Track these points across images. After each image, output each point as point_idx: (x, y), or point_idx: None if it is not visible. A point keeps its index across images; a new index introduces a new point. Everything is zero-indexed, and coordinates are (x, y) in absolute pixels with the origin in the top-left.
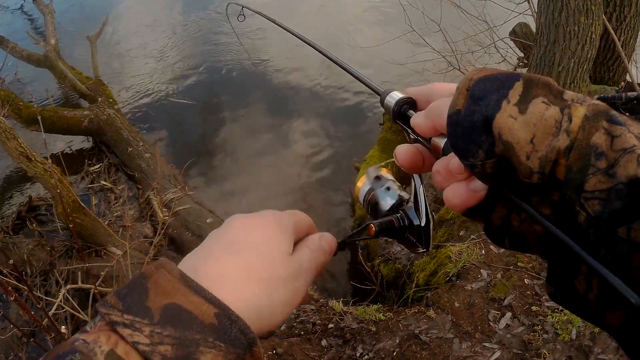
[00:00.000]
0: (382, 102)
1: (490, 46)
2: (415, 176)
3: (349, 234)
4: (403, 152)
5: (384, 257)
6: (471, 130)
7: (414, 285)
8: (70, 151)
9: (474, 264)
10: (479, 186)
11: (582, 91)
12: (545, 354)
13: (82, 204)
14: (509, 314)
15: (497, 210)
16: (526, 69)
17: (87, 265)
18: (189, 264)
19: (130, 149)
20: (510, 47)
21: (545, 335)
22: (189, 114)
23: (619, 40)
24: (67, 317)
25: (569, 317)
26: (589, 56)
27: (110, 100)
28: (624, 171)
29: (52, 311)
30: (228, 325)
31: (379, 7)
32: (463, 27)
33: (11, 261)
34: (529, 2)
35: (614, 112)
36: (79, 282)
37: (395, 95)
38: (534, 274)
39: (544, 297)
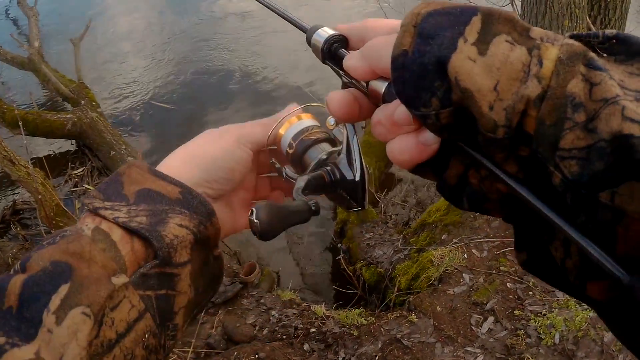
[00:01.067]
0: (308, 41)
1: None
2: (348, 125)
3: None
4: (337, 99)
5: (366, 261)
6: (422, 74)
7: (395, 289)
8: (54, 154)
9: (456, 268)
10: (430, 139)
11: None
12: (528, 358)
13: (65, 208)
14: (491, 318)
15: (451, 167)
16: None
17: None
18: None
19: (113, 153)
20: None
21: (528, 340)
22: (172, 117)
23: None
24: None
25: (552, 322)
26: None
27: (93, 103)
28: (605, 126)
29: None
30: (190, 199)
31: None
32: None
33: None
34: (512, 5)
35: (592, 55)
36: None
37: (324, 33)
38: (516, 278)
39: (526, 302)
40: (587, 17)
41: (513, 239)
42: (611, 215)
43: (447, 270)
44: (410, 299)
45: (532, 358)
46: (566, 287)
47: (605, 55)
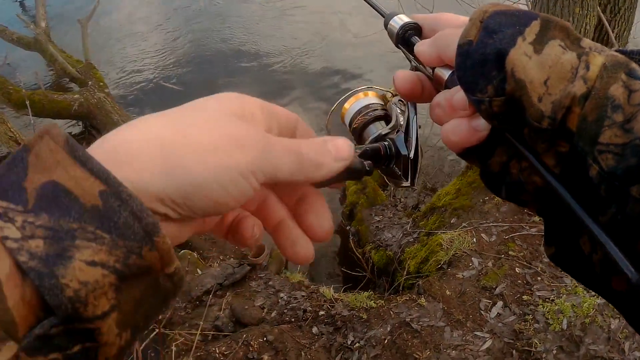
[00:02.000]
0: (385, 25)
1: None
2: (410, 105)
3: None
4: (403, 77)
5: (375, 244)
6: (482, 63)
7: (405, 272)
8: None
9: (465, 252)
10: (481, 125)
11: None
12: (536, 343)
13: None
14: (500, 303)
15: (496, 155)
16: None
17: None
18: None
19: None
20: None
21: (536, 325)
22: (179, 98)
23: (612, 32)
24: None
25: (560, 307)
26: None
27: (101, 83)
28: None
29: None
30: (116, 208)
31: None
32: (456, 12)
33: None
34: None
35: (634, 66)
36: None
37: (400, 20)
38: (524, 263)
39: (535, 287)
40: (597, 6)
41: (521, 224)
42: (639, 209)
43: (456, 254)
44: (420, 282)
45: (540, 343)
46: (592, 282)
47: None
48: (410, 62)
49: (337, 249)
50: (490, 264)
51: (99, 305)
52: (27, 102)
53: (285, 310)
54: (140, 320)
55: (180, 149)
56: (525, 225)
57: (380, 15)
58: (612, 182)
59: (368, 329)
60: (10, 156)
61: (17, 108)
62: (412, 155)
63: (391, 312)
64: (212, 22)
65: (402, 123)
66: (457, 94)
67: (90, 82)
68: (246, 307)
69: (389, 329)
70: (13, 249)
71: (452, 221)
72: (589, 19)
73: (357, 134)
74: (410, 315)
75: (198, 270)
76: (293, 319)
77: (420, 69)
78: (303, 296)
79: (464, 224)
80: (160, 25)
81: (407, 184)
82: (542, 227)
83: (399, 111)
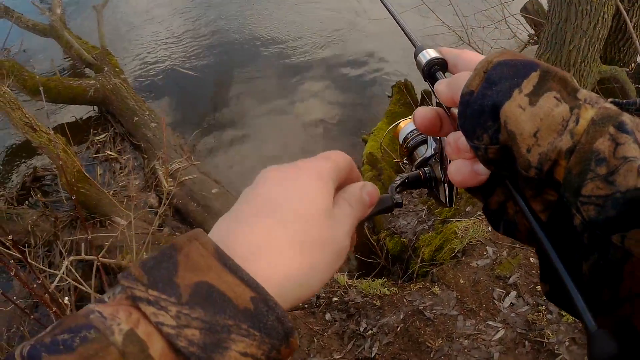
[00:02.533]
0: (415, 56)
1: (501, 22)
2: (441, 139)
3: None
4: (422, 115)
5: (390, 230)
6: (479, 113)
7: (419, 260)
8: (76, 121)
9: (480, 241)
10: (481, 170)
11: (592, 71)
12: (549, 334)
13: (87, 174)
14: (513, 293)
15: (495, 194)
16: (537, 46)
17: (91, 235)
18: (221, 231)
19: (136, 119)
20: (521, 23)
21: (549, 316)
22: (195, 84)
23: (630, 21)
24: (70, 288)
25: None
26: (600, 36)
27: (117, 69)
28: (623, 180)
29: (55, 283)
30: (265, 312)
31: None
32: (474, 1)
33: (10, 237)
34: None
35: (624, 119)
36: (82, 253)
37: (428, 55)
38: None
39: None
40: None
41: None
42: (620, 255)
43: (471, 242)
44: (434, 270)
45: (552, 334)
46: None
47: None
48: (434, 96)
49: None
50: (504, 253)
51: None
52: (41, 88)
53: None
54: None
55: (308, 286)
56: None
57: (413, 46)
58: (594, 231)
59: (381, 316)
60: (157, 252)
61: (32, 94)
62: (447, 180)
63: (404, 300)
64: (229, 8)
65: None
66: (461, 138)
67: (106, 68)
68: None
69: (402, 316)
70: (170, 334)
71: (467, 209)
72: (607, 7)
73: (409, 152)
74: (423, 303)
75: None
76: (306, 305)
77: (441, 105)
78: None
79: (479, 212)
80: (177, 11)
81: (447, 205)
82: None
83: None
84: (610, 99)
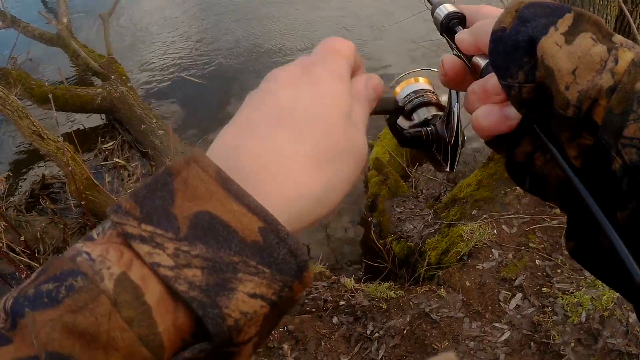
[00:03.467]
0: (432, 13)
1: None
2: (453, 93)
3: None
4: (450, 60)
5: (396, 234)
6: (514, 49)
7: (425, 263)
8: (84, 129)
9: (486, 244)
10: (512, 113)
11: None
12: (554, 335)
13: (95, 181)
14: (519, 295)
15: (522, 145)
16: None
17: None
18: (226, 144)
19: (143, 126)
20: None
21: (555, 317)
22: (202, 91)
23: (634, 22)
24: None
25: (579, 300)
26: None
27: (123, 77)
28: None
29: None
30: (275, 245)
31: None
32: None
33: (22, 238)
34: None
35: None
36: None
37: (445, 9)
38: (545, 255)
39: (554, 279)
40: None
41: (542, 216)
42: None
43: (477, 245)
44: (440, 273)
45: (558, 336)
46: (611, 278)
47: None
48: (452, 50)
49: (358, 240)
50: (510, 255)
51: (248, 332)
52: (50, 96)
53: (306, 300)
54: (265, 336)
55: (323, 205)
56: (546, 218)
57: (429, 2)
58: (635, 177)
59: (387, 319)
60: (151, 179)
61: (39, 103)
62: (452, 141)
63: (411, 303)
64: (236, 16)
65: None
66: (491, 80)
67: (112, 76)
68: None
69: (408, 319)
70: (168, 277)
71: (473, 213)
72: (610, 9)
73: (406, 115)
74: (429, 305)
75: None
76: (314, 309)
77: (461, 57)
78: (324, 286)
79: (484, 216)
80: (183, 19)
81: (446, 169)
82: (563, 220)
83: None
84: None
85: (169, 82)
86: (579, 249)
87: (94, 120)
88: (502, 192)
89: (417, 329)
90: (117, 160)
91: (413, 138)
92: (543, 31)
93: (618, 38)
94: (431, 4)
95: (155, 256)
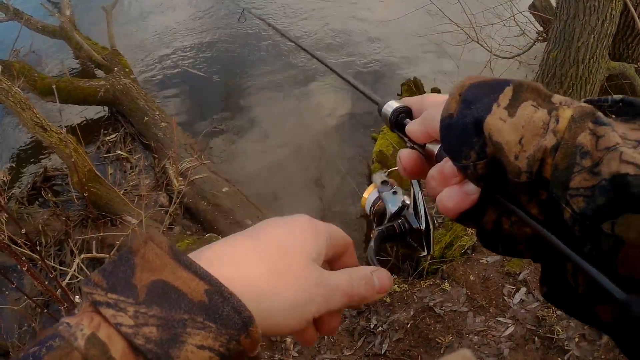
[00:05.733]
0: (379, 111)
1: (510, 19)
2: (414, 182)
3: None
4: (407, 155)
5: None
6: (463, 132)
7: (429, 257)
8: (86, 121)
9: None
10: (471, 189)
11: (601, 67)
12: (558, 330)
13: (98, 174)
14: (523, 289)
15: (488, 214)
16: (545, 43)
17: (102, 234)
18: (200, 249)
19: (146, 118)
20: (530, 21)
21: (559, 312)
22: (205, 83)
23: (638, 17)
24: (80, 287)
25: None
26: (608, 32)
27: (126, 69)
28: (607, 168)
29: (66, 281)
30: (220, 303)
31: None
32: None
33: (24, 231)
34: None
35: (599, 114)
36: (94, 252)
37: (391, 106)
38: None
39: None
40: None
41: None
42: (612, 242)
43: None
44: (444, 267)
45: (562, 330)
46: (581, 314)
47: (613, 116)
48: (406, 143)
49: (362, 234)
50: None
51: None
52: (54, 87)
53: None
54: None
55: (271, 302)
56: None
57: (374, 103)
58: (584, 222)
59: (391, 313)
60: (115, 256)
61: (42, 95)
62: (423, 227)
63: (415, 297)
64: (243, 4)
65: (408, 202)
66: (446, 164)
67: (115, 69)
68: None
69: (412, 313)
70: (128, 334)
71: None
72: (615, 4)
73: (377, 217)
74: (433, 299)
75: None
76: None
77: (415, 147)
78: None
79: None
80: (187, 10)
81: (424, 254)
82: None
83: (403, 192)
84: (583, 99)
85: (172, 75)
86: (551, 293)
87: (97, 112)
88: None
89: (421, 323)
90: (120, 152)
91: (388, 234)
92: (487, 110)
93: (557, 98)
94: (376, 104)
95: (119, 317)
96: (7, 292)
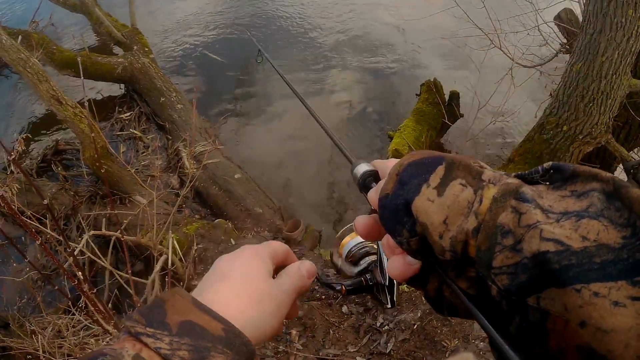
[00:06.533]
0: (351, 171)
1: (534, 28)
2: (379, 243)
3: (327, 276)
4: (361, 222)
5: None
6: (396, 212)
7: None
8: (101, 97)
9: None
10: (412, 260)
11: (623, 84)
12: None
13: (112, 150)
14: None
15: (430, 282)
16: (568, 55)
17: (112, 212)
18: (197, 292)
19: (162, 99)
20: (554, 31)
21: None
22: (223, 68)
23: None
24: (84, 263)
25: None
26: (633, 49)
27: (146, 49)
28: (528, 247)
29: (76, 252)
30: (233, 338)
31: None
32: (508, 6)
33: (45, 201)
34: None
35: (523, 190)
36: (103, 229)
37: (362, 168)
38: None
39: None
40: None
41: None
42: (539, 315)
43: None
44: None
45: None
46: None
47: (547, 183)
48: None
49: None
50: None
51: None
52: (79, 59)
53: (317, 287)
54: None
55: (260, 322)
56: None
57: (349, 162)
58: (510, 298)
59: (398, 313)
60: (149, 304)
61: (59, 68)
62: (387, 283)
63: (423, 298)
64: None
65: (375, 259)
66: (390, 237)
67: (135, 47)
68: None
69: (419, 314)
70: (167, 354)
71: None
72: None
73: (354, 263)
74: None
75: (232, 240)
76: (324, 297)
77: (374, 211)
78: (335, 274)
79: None
80: None
81: (388, 307)
82: None
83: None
84: (514, 173)
85: (190, 57)
86: (500, 358)
87: (112, 89)
88: None
89: (427, 325)
90: (134, 131)
91: (357, 287)
92: (416, 192)
93: (487, 175)
94: (350, 162)
95: (158, 343)
96: (14, 267)
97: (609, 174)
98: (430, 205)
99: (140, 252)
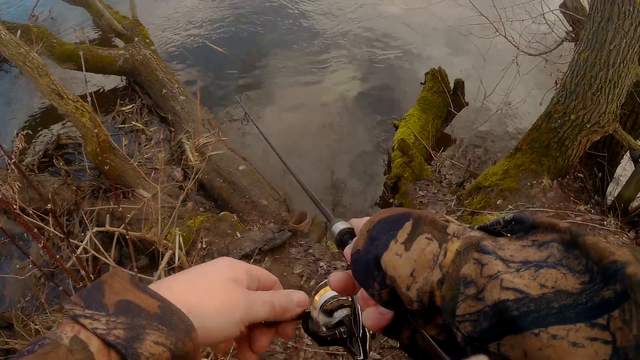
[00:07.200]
0: (329, 229)
1: (539, 16)
2: (355, 297)
3: (311, 321)
4: (335, 279)
5: None
6: (367, 266)
7: None
8: (102, 90)
9: None
10: (384, 310)
11: (630, 72)
12: None
13: (114, 144)
14: None
15: (404, 331)
16: (573, 43)
17: (115, 207)
18: (157, 283)
19: (164, 91)
20: (559, 19)
21: None
22: (225, 59)
23: None
24: (88, 259)
25: None
26: None
27: (147, 40)
28: (490, 295)
29: (76, 254)
30: (169, 314)
31: None
32: None
33: (49, 205)
34: None
35: (485, 243)
36: (107, 224)
37: (339, 227)
38: None
39: None
40: None
41: (567, 212)
42: None
43: None
44: None
45: None
46: None
47: (509, 235)
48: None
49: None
50: None
51: None
52: (81, 53)
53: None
54: None
55: (200, 313)
56: (571, 214)
57: (327, 220)
58: (474, 344)
59: None
60: (89, 286)
61: (60, 61)
62: (360, 335)
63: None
64: None
65: (349, 312)
66: (364, 290)
67: (136, 39)
68: (285, 274)
69: None
70: (103, 334)
71: (497, 202)
72: None
73: (327, 316)
74: None
75: (237, 233)
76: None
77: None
78: (343, 266)
79: (510, 207)
80: None
81: (361, 357)
82: (587, 217)
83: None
84: (477, 226)
85: (191, 48)
86: None
87: (114, 81)
88: (528, 183)
89: None
90: (136, 123)
91: (331, 339)
92: (384, 247)
93: (452, 228)
94: (328, 220)
95: (95, 324)
96: (16, 264)
97: (566, 225)
98: (397, 260)
99: (145, 247)
